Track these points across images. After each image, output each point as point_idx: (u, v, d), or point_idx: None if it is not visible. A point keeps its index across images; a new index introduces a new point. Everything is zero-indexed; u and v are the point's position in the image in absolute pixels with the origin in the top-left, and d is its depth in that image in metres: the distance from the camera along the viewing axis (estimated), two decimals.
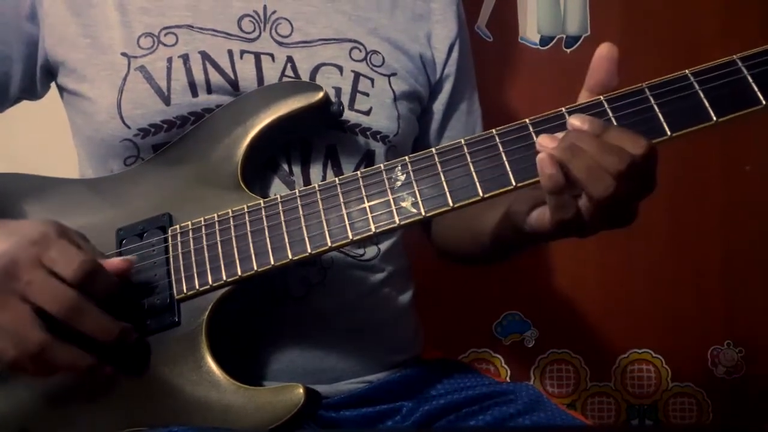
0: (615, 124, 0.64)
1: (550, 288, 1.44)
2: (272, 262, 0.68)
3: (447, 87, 0.95)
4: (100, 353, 0.65)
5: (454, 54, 0.95)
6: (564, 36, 1.42)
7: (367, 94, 0.84)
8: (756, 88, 0.62)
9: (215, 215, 0.72)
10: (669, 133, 0.62)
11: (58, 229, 0.65)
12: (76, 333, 0.63)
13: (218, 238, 0.71)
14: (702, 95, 0.63)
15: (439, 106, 0.96)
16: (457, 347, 1.44)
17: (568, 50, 1.41)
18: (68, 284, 0.62)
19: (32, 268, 0.61)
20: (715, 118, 0.62)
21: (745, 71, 0.63)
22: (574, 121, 0.63)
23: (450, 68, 0.95)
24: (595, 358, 1.44)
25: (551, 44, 1.42)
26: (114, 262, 0.68)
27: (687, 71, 0.64)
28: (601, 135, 0.61)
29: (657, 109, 0.63)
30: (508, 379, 1.43)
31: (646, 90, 0.64)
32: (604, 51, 0.65)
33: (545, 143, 0.62)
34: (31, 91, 0.88)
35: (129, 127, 0.79)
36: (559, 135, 0.63)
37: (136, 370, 0.69)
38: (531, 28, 1.42)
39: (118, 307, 0.65)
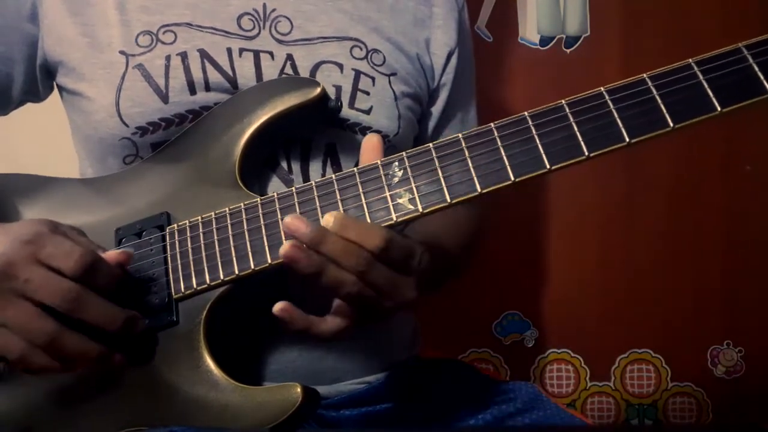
0: (615, 116, 0.62)
1: (550, 288, 1.44)
2: (269, 261, 0.68)
3: (443, 95, 0.95)
4: (108, 343, 0.64)
5: (453, 62, 0.94)
6: (564, 36, 1.42)
7: (367, 93, 0.83)
8: (762, 77, 0.60)
9: (212, 214, 0.72)
10: (672, 124, 0.61)
11: (51, 225, 0.64)
12: (82, 326, 0.62)
13: (215, 237, 0.70)
14: (706, 85, 0.61)
15: (435, 112, 0.95)
16: (457, 347, 1.44)
17: (568, 50, 1.42)
18: (68, 278, 0.61)
19: (29, 267, 0.61)
20: (719, 109, 0.60)
21: (751, 59, 0.61)
22: (324, 221, 0.63)
23: (447, 76, 0.94)
24: (595, 357, 1.45)
25: (551, 44, 1.42)
26: (112, 254, 0.67)
27: (690, 60, 0.62)
28: (342, 234, 0.62)
29: (659, 100, 0.61)
30: (507, 379, 1.43)
31: (648, 80, 0.63)
32: (369, 142, 0.70)
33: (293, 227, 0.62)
34: (34, 92, 0.88)
35: (127, 126, 0.78)
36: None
37: (143, 363, 0.68)
38: (531, 28, 1.42)
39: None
